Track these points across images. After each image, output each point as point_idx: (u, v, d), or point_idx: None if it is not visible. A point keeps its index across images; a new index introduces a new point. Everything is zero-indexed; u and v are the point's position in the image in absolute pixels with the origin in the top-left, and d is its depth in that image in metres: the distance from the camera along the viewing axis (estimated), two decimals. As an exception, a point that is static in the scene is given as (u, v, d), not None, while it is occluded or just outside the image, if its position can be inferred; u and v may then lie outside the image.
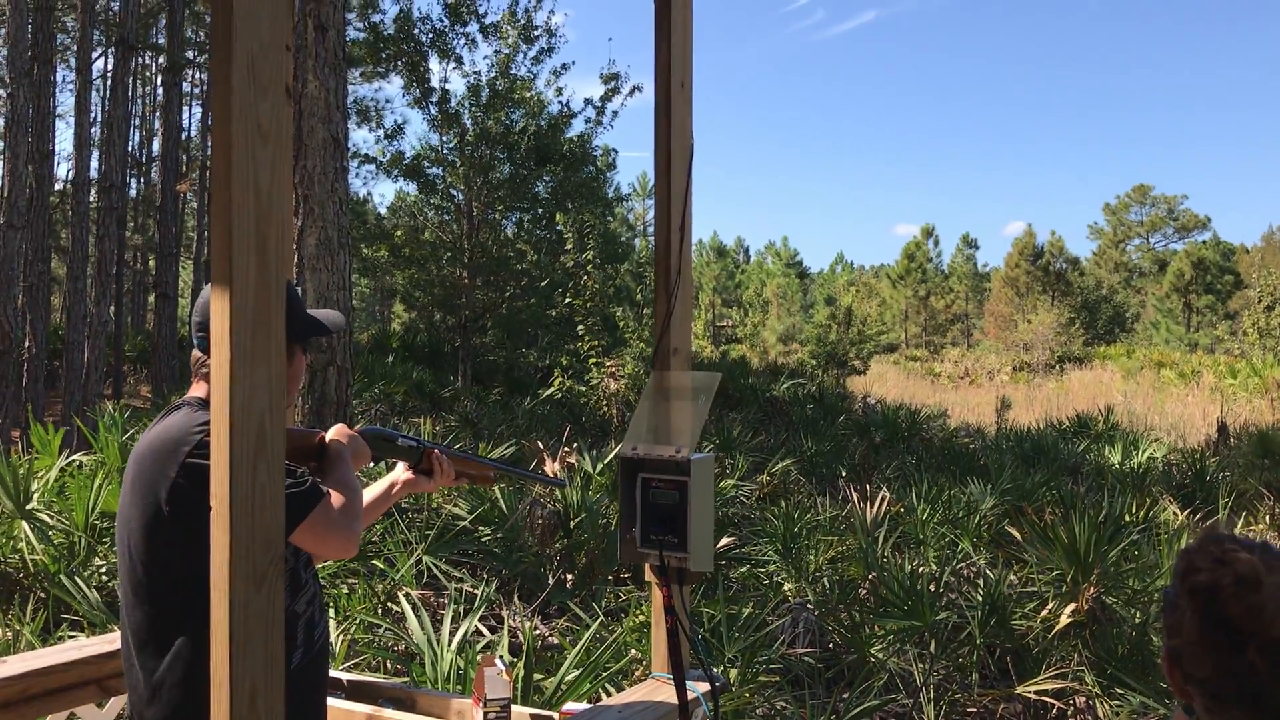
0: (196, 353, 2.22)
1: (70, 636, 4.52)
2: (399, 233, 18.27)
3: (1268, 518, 7.03)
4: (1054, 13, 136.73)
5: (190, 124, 33.52)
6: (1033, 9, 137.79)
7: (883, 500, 7.04)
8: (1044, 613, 4.82)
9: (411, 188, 19.08)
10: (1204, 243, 63.29)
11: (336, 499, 2.10)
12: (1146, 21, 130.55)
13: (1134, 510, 6.42)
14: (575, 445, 8.33)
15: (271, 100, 1.54)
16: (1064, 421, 15.82)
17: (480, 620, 4.81)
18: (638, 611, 5.04)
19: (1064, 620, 4.70)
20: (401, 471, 2.55)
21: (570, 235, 12.46)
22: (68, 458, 6.86)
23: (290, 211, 1.57)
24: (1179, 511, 7.45)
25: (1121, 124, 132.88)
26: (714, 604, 5.18)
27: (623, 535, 2.37)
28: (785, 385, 17.21)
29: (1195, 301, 55.87)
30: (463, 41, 17.89)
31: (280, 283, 1.57)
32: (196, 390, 2.21)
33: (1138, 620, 4.91)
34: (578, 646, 4.09)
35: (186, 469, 1.98)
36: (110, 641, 2.75)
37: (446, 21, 17.86)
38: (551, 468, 7.56)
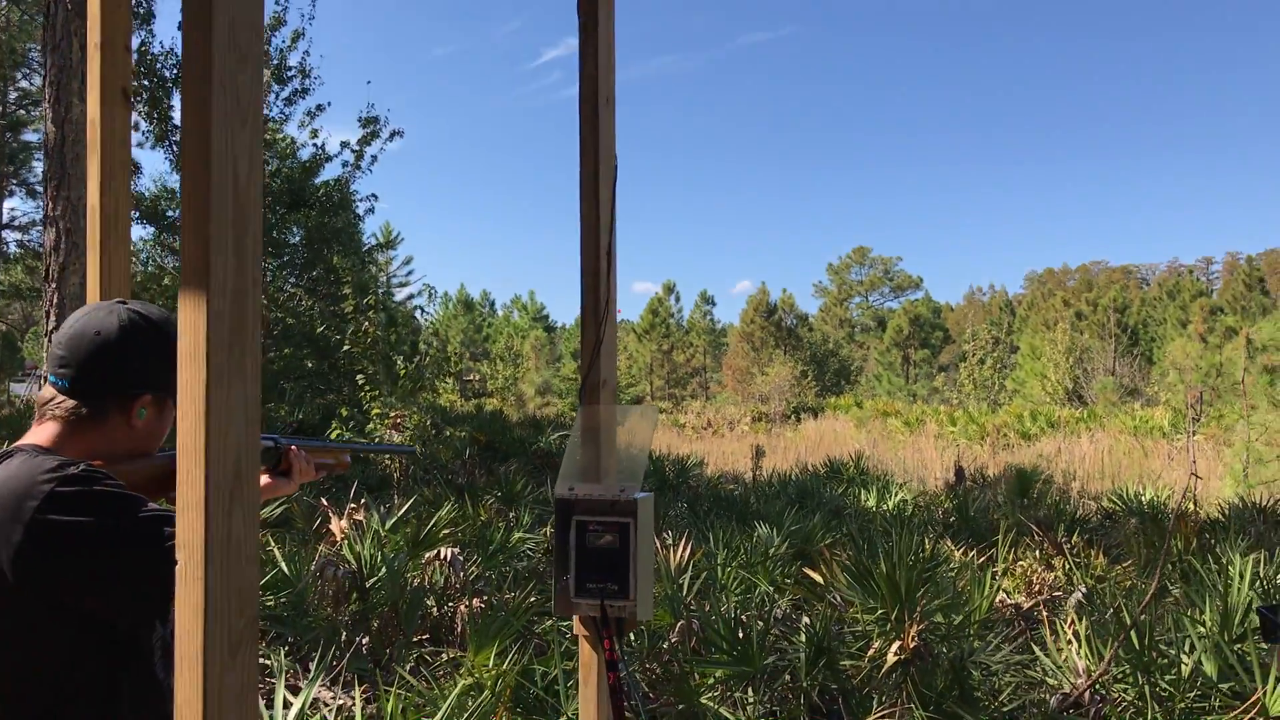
0: (47, 392, 1.87)
1: None
2: (137, 278, 16.98)
3: (1037, 551, 7.49)
4: (772, 80, 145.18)
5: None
6: (754, 78, 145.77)
7: (686, 546, 7.01)
8: (870, 652, 4.88)
9: (149, 231, 17.83)
10: (918, 301, 68.42)
11: None
12: (855, 95, 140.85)
13: (924, 549, 6.67)
14: (363, 501, 7.86)
15: (250, 72, 1.30)
16: (817, 467, 16.48)
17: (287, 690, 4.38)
18: (465, 674, 4.75)
19: (891, 659, 4.77)
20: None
21: (348, 280, 11.92)
22: None
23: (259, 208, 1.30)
24: (953, 548, 7.83)
25: (843, 188, 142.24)
26: (512, 662, 4.98)
27: (556, 585, 2.16)
28: (553, 437, 17.09)
29: (913, 355, 60.16)
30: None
31: (256, 289, 1.32)
32: (34, 436, 1.83)
33: (951, 654, 5.07)
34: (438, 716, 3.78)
35: (33, 529, 1.61)
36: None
37: (192, 57, 16.88)
38: (338, 525, 7.09)
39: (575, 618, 2.25)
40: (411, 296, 38.74)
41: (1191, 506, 10.44)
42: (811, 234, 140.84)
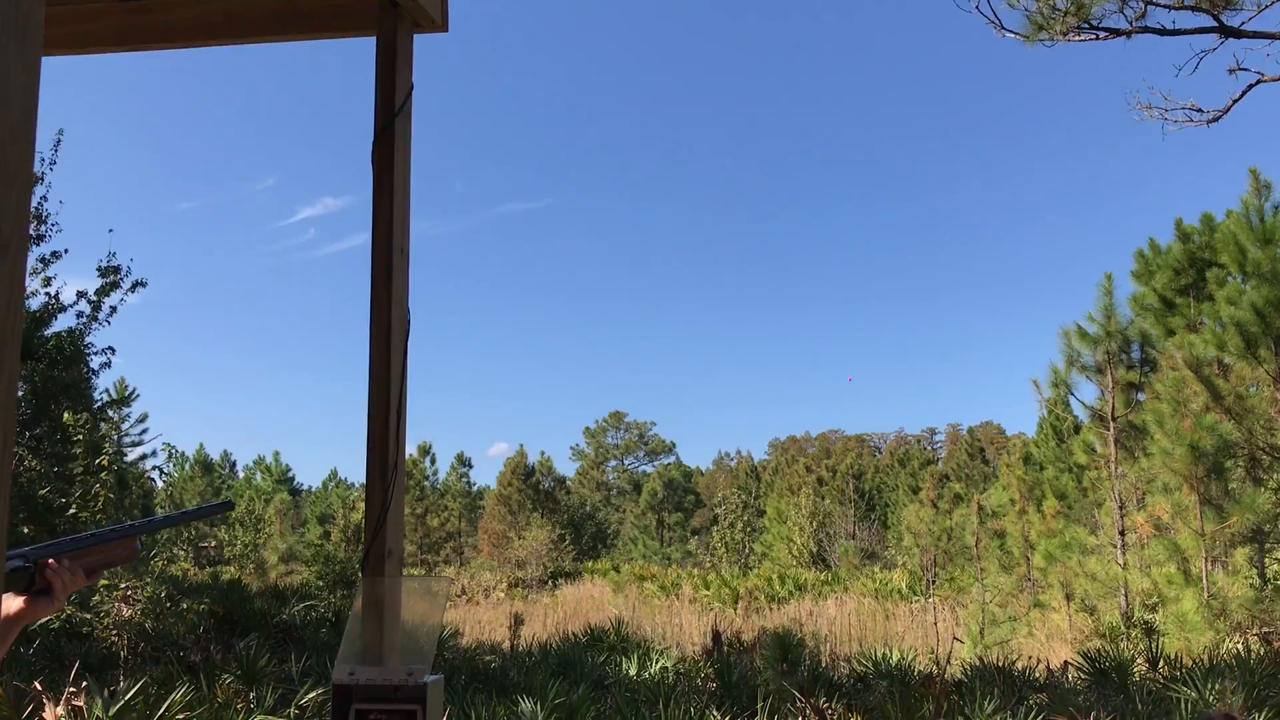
0: None
1: None
2: None
3: (800, 718, 7.52)
4: (528, 246, 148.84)
5: None
6: (510, 245, 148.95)
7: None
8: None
9: None
10: (670, 465, 69.98)
11: None
12: (608, 263, 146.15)
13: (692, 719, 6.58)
14: (84, 685, 7.02)
15: (17, 197, 1.13)
16: (577, 635, 16.20)
17: None
18: None
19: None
20: (9, 602, 1.85)
21: (79, 438, 10.94)
22: None
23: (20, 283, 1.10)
24: (719, 717, 7.77)
25: (598, 354, 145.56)
26: None
27: (331, 783, 1.92)
28: (297, 608, 16.07)
29: (667, 518, 61.12)
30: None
31: (10, 413, 1.11)
32: None
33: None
34: None
35: None
36: None
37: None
38: (54, 714, 6.29)
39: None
40: (144, 456, 36.28)
41: (936, 669, 10.84)
42: (568, 398, 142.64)
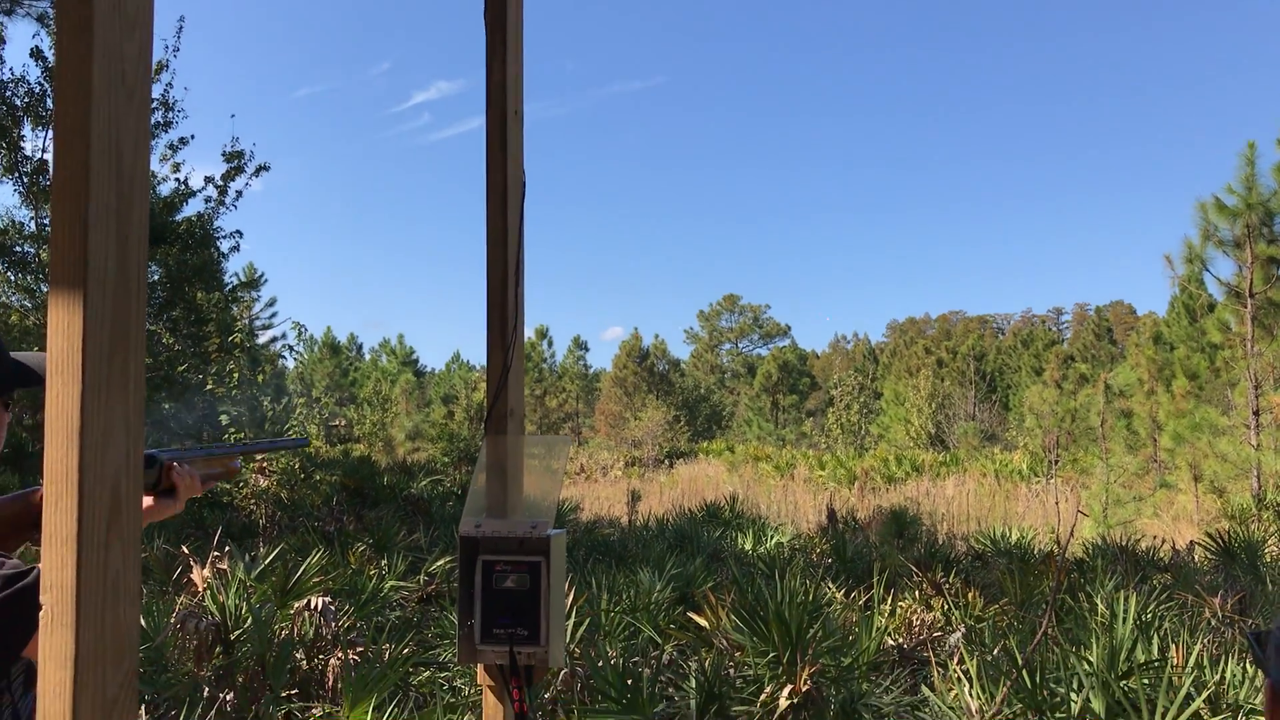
0: None
1: None
2: (-15, 313, 16.01)
3: (916, 592, 7.54)
4: (641, 127, 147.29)
5: None
6: (624, 125, 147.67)
7: (570, 591, 6.82)
8: (763, 696, 4.78)
9: (-3, 265, 16.85)
10: (785, 347, 69.63)
11: None
12: (731, 136, 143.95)
13: (808, 590, 6.64)
14: (227, 549, 7.44)
15: (139, 41, 1.13)
16: (694, 511, 16.46)
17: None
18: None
19: (783, 703, 4.68)
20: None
21: (212, 318, 11.40)
22: None
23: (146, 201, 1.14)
24: (835, 589, 7.83)
25: (713, 236, 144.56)
26: (392, 716, 4.74)
27: (460, 630, 1.99)
28: (424, 483, 16.68)
29: (781, 400, 61.12)
30: (62, 109, 16.20)
31: (142, 290, 1.14)
32: None
33: (841, 697, 5.01)
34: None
35: None
36: None
37: (45, 86, 16.14)
38: (200, 575, 6.68)
39: (479, 666, 2.08)
40: (274, 340, 37.65)
41: (1056, 547, 10.72)
42: (682, 282, 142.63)
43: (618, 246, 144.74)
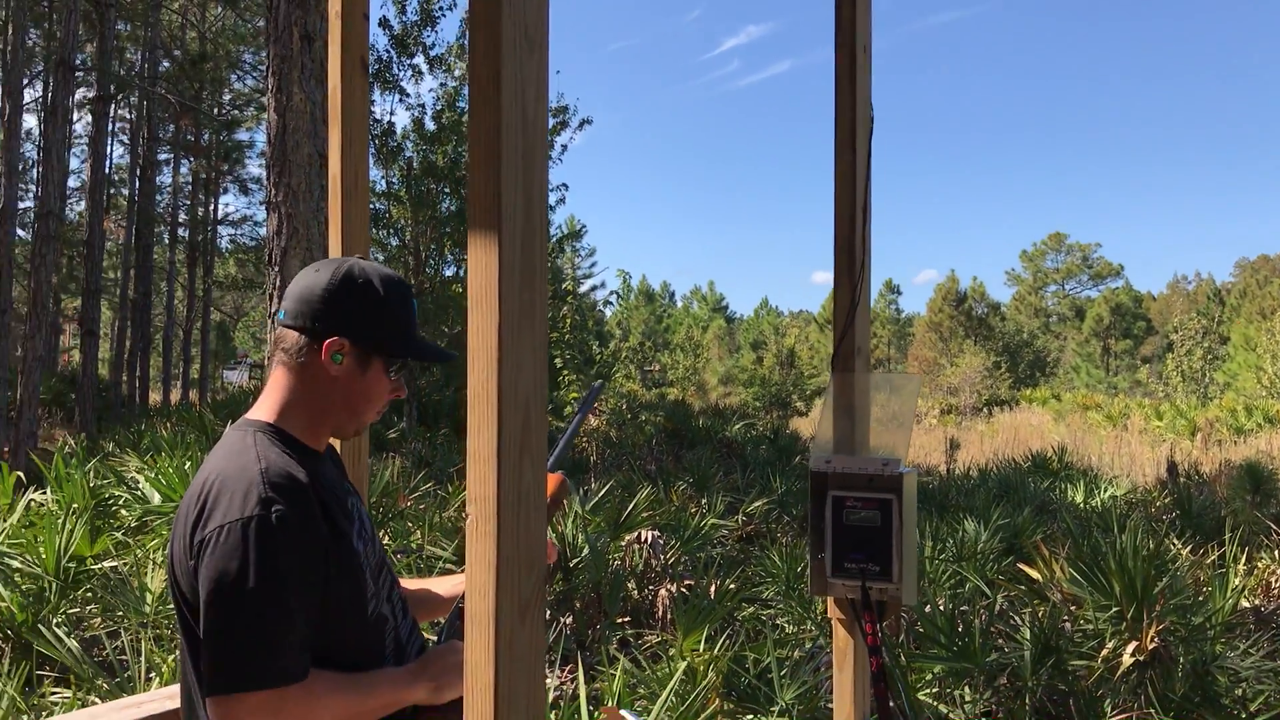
0: (282, 332, 1.77)
1: (54, 693, 4.02)
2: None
3: (1276, 551, 6.91)
4: (955, 62, 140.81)
5: (111, 159, 32.49)
6: (940, 58, 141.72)
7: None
8: (1104, 652, 4.57)
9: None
10: (1118, 289, 65.05)
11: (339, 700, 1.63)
12: (1054, 77, 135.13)
13: (1149, 545, 6.24)
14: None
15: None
16: (1018, 461, 15.81)
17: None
18: (677, 658, 4.68)
19: (1127, 660, 4.45)
20: None
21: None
22: (25, 496, 6.29)
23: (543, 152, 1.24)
24: (1179, 546, 7.32)
25: (1035, 172, 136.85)
26: (723, 648, 4.87)
27: (810, 561, 2.04)
28: (737, 426, 16.98)
29: (1114, 346, 57.26)
30: (408, 74, 17.54)
31: (544, 232, 1.24)
32: (261, 400, 1.78)
33: (1192, 658, 4.70)
34: (662, 697, 3.72)
35: (198, 550, 1.56)
36: (169, 696, 2.34)
37: (392, 54, 17.50)
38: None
39: (829, 599, 2.13)
40: (595, 289, 39.25)
41: None
42: (1000, 221, 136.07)
43: (930, 185, 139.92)
